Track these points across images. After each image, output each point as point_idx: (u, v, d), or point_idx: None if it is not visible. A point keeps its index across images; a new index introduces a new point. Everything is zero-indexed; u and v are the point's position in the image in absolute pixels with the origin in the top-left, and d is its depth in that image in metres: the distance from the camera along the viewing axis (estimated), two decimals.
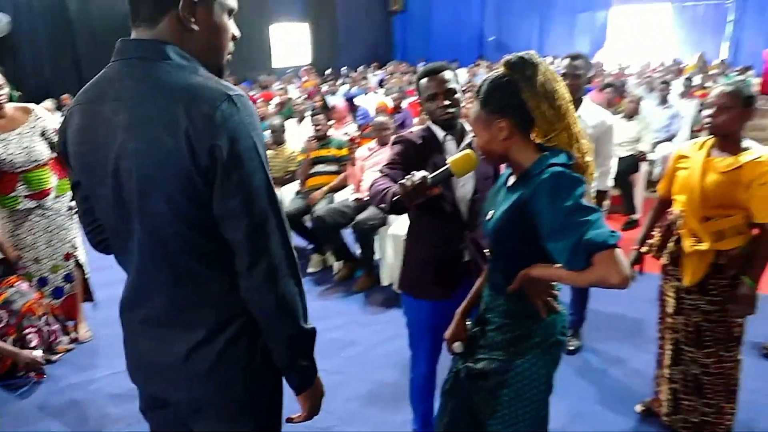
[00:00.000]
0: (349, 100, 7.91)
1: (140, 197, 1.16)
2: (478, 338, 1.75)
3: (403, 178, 1.69)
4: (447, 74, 2.12)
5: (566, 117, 1.51)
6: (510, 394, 1.63)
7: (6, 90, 3.21)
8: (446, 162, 1.68)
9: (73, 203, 3.53)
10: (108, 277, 4.38)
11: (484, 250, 1.80)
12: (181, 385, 1.28)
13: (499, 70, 1.54)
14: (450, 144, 2.16)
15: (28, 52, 10.48)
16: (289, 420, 1.39)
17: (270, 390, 1.35)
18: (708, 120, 2.27)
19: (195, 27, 1.18)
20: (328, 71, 13.25)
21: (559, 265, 1.46)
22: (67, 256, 3.52)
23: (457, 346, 1.81)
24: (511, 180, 1.63)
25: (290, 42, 16.31)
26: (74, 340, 3.58)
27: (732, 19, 14.88)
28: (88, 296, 3.75)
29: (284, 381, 1.35)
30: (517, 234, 1.55)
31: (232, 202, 1.13)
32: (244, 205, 1.13)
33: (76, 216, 3.62)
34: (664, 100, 6.72)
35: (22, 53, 10.37)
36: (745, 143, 2.28)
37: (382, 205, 1.92)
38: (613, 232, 1.34)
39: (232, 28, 1.27)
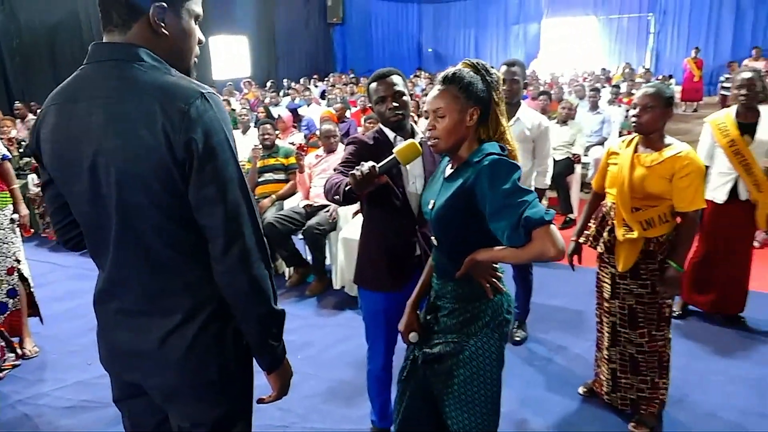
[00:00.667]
0: (293, 110, 7.96)
1: (119, 191, 1.22)
2: (431, 326, 1.86)
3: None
4: (395, 78, 2.24)
5: (505, 121, 1.74)
6: (465, 374, 1.75)
7: None
8: (392, 151, 1.80)
9: (16, 216, 3.45)
10: (52, 293, 4.32)
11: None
12: (157, 371, 1.33)
13: (464, 68, 1.71)
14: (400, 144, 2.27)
15: None
16: (260, 401, 1.46)
17: (241, 373, 1.42)
18: (634, 119, 2.48)
19: (165, 32, 1.26)
20: (269, 83, 13.23)
21: (500, 247, 1.60)
22: (10, 271, 3.43)
23: (413, 336, 1.91)
24: (448, 170, 1.77)
25: (229, 54, 16.19)
26: (21, 356, 3.48)
27: (654, 32, 15.80)
28: (34, 311, 3.65)
29: (254, 366, 1.43)
30: (460, 220, 1.68)
31: (208, 191, 1.21)
32: (219, 194, 1.21)
33: (19, 230, 3.53)
34: (594, 107, 7.10)
35: None
36: (668, 140, 2.50)
37: (336, 197, 2.02)
38: (548, 210, 1.49)
39: (198, 33, 1.35)
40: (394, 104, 2.23)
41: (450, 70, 1.72)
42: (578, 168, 6.09)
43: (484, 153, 1.63)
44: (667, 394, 2.68)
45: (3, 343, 3.36)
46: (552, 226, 1.48)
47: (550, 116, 6.58)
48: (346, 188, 1.94)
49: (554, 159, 5.90)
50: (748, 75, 3.30)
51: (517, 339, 3.50)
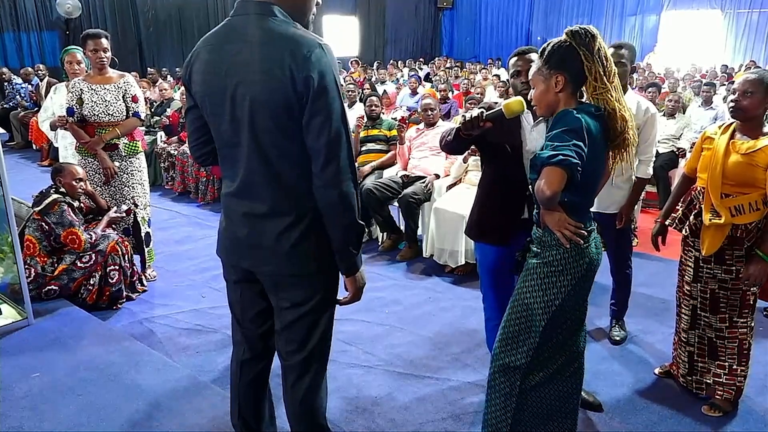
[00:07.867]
0: (398, 88, 8.23)
1: (251, 114, 1.55)
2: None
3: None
4: (533, 56, 2.44)
5: (614, 81, 1.88)
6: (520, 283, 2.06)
7: (108, 54, 3.69)
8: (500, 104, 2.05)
9: (144, 165, 3.93)
10: (173, 236, 4.89)
11: None
12: (270, 260, 1.68)
13: (562, 37, 1.89)
14: (528, 116, 2.46)
15: None
16: (339, 302, 1.77)
17: (332, 270, 1.73)
18: (731, 105, 2.49)
19: None
20: (375, 63, 13.65)
21: None
22: (127, 212, 3.81)
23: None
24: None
25: (340, 34, 16.74)
26: (146, 279, 4.00)
27: None
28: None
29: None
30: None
31: (318, 119, 1.52)
32: (325, 122, 1.52)
33: (146, 180, 4.00)
34: (708, 102, 6.84)
35: None
36: (767, 129, 2.49)
37: (448, 137, 2.33)
38: (564, 155, 1.68)
39: None
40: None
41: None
42: (682, 163, 5.93)
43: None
44: (746, 382, 2.68)
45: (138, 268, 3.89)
46: (557, 168, 1.68)
47: (659, 109, 6.43)
48: (457, 127, 2.24)
49: (657, 152, 5.81)
50: None
51: (617, 339, 3.33)
